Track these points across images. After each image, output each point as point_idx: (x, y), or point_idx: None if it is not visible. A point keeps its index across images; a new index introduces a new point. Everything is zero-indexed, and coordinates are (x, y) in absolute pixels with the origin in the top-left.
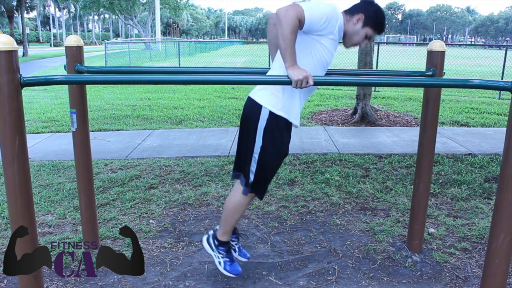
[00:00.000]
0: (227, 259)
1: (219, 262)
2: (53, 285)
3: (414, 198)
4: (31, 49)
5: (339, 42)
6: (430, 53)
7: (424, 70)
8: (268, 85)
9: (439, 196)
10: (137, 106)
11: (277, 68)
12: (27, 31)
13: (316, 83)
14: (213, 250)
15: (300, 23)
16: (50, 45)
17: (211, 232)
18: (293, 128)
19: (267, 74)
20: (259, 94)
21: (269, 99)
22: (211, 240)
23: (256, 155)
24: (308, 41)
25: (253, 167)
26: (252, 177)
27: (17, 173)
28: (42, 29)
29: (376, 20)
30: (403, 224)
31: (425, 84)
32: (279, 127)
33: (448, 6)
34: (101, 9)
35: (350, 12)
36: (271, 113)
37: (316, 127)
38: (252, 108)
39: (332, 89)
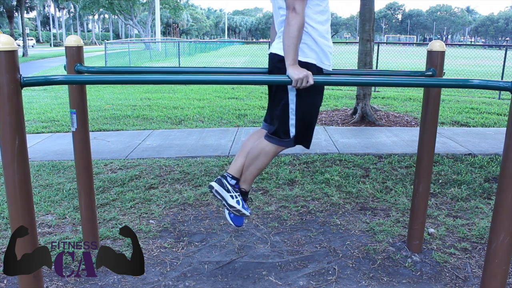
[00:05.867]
0: (243, 200)
1: (238, 201)
2: (53, 285)
3: (414, 198)
4: (31, 49)
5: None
6: (430, 53)
7: (424, 70)
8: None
9: (439, 196)
10: (137, 106)
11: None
12: (27, 31)
13: (317, 83)
14: (228, 191)
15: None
16: (50, 45)
17: (221, 175)
18: None
19: (272, 46)
20: (280, 46)
21: None
22: (225, 181)
23: (292, 105)
24: None
25: (292, 119)
26: (293, 130)
27: (17, 173)
28: (42, 29)
29: None
30: (403, 224)
31: (425, 84)
32: (311, 72)
33: (448, 6)
34: (101, 9)
35: None
36: (298, 62)
37: (316, 127)
38: (277, 62)
39: (332, 89)
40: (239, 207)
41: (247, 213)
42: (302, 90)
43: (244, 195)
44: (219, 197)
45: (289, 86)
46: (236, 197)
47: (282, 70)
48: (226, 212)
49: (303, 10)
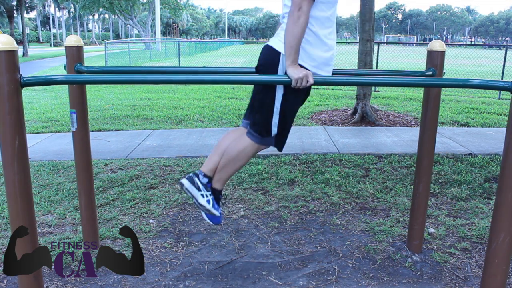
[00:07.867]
0: (215, 201)
1: (208, 201)
2: (53, 285)
3: (414, 198)
4: (31, 49)
5: None
6: (430, 53)
7: (424, 70)
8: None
9: (439, 196)
10: (137, 106)
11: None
12: (27, 31)
13: (316, 83)
14: (198, 189)
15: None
16: (50, 45)
17: (193, 173)
18: (292, 127)
19: (272, 39)
20: (278, 42)
21: None
22: (196, 179)
23: (278, 104)
24: None
25: (276, 118)
26: (275, 129)
27: (17, 173)
28: (42, 29)
29: None
30: (403, 224)
31: (425, 84)
32: None
33: (448, 6)
34: (101, 9)
35: None
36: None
37: (316, 127)
38: (270, 56)
39: (332, 89)
40: (209, 206)
41: (217, 213)
42: (289, 90)
43: (217, 194)
44: (189, 195)
45: (277, 85)
46: (207, 196)
47: (276, 68)
48: (202, 212)
49: (309, 10)
